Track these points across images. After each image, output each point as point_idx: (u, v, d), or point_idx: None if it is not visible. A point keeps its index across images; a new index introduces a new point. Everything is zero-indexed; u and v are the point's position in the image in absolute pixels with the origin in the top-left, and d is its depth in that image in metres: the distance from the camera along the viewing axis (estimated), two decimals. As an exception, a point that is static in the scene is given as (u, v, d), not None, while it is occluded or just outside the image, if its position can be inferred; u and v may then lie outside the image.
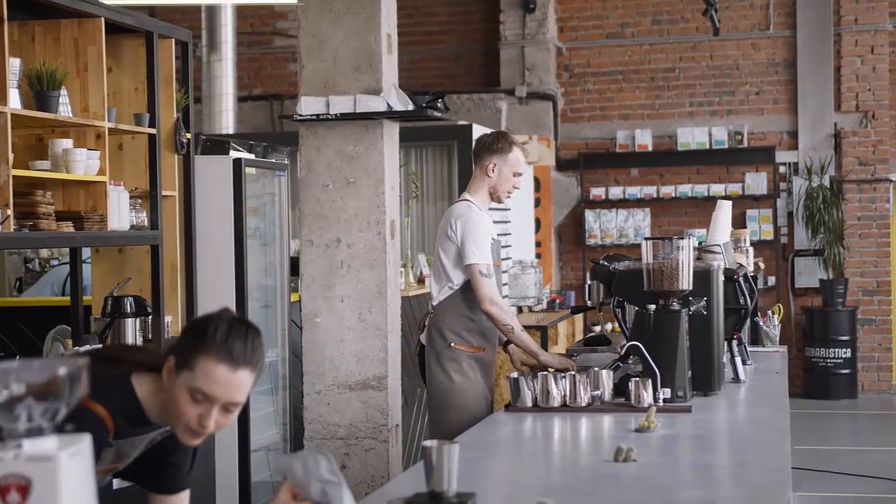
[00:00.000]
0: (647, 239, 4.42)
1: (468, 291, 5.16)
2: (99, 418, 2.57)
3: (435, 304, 5.27)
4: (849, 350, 12.13)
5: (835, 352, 12.11)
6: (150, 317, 5.51)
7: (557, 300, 11.05)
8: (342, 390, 5.65)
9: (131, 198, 5.44)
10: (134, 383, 2.66)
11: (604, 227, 12.83)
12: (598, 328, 12.18)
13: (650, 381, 4.18)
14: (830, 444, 10.13)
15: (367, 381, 5.80)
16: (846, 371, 12.15)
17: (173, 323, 5.79)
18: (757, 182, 12.51)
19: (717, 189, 12.44)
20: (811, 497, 8.01)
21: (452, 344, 5.17)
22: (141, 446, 2.74)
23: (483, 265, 5.06)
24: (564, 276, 13.00)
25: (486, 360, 5.26)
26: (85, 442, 1.78)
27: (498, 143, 5.28)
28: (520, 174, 5.30)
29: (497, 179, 5.25)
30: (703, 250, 5.08)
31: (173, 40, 5.82)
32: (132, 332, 5.35)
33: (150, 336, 5.53)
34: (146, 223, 5.50)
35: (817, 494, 8.11)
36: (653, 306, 4.37)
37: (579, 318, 11.12)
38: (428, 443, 2.72)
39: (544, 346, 8.90)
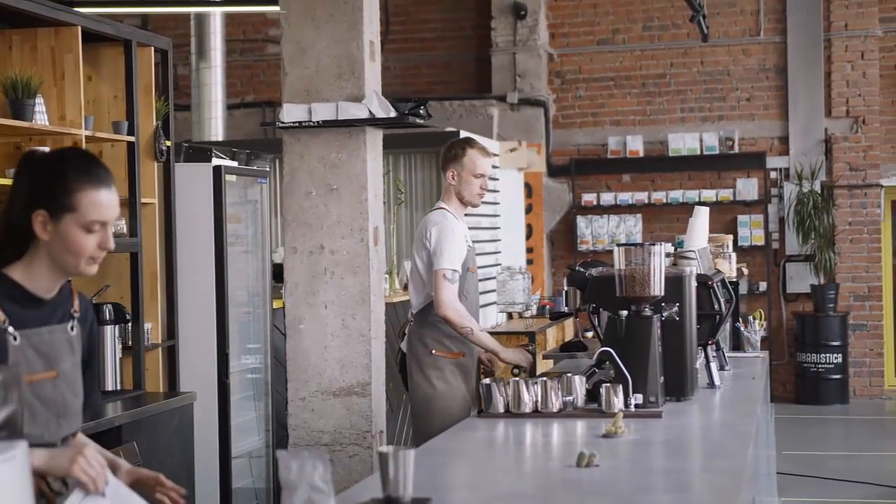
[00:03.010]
0: (619, 245, 4.44)
1: None
2: None
3: (415, 311, 5.36)
4: (840, 355, 12.14)
5: (826, 357, 12.12)
6: (129, 324, 5.52)
7: (548, 306, 11.05)
8: (326, 397, 5.66)
9: (110, 205, 5.45)
10: (4, 272, 2.70)
11: (595, 233, 12.84)
12: (590, 334, 12.19)
13: (621, 386, 4.20)
14: (821, 449, 10.13)
15: (351, 387, 5.82)
16: (837, 376, 12.15)
17: (153, 330, 5.81)
18: (748, 188, 12.52)
19: (709, 195, 12.45)
20: (800, 502, 8.01)
21: (434, 351, 5.25)
22: (60, 345, 2.73)
23: (448, 271, 5.15)
24: (556, 283, 13.01)
25: (466, 366, 5.31)
26: (20, 449, 1.80)
27: (452, 150, 5.41)
28: (481, 175, 5.37)
29: (459, 185, 5.35)
30: (678, 256, 5.09)
31: (152, 48, 5.84)
32: (111, 339, 5.36)
33: (129, 343, 5.55)
34: (125, 230, 5.52)
35: (806, 500, 8.12)
36: (625, 312, 4.38)
37: (569, 323, 11.13)
38: (383, 449, 2.74)
39: (532, 353, 8.91)
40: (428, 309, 5.28)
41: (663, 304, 4.45)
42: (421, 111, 6.08)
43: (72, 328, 2.78)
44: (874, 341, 12.49)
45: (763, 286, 12.45)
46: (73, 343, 2.78)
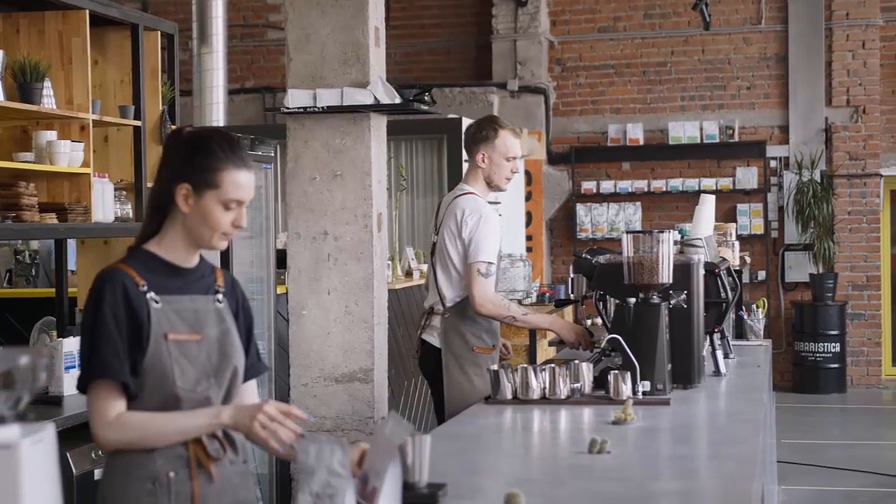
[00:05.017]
0: (627, 232, 4.43)
1: None
2: (117, 268, 2.82)
3: (449, 304, 5.10)
4: (838, 344, 12.16)
5: (824, 346, 12.14)
6: (134, 309, 5.51)
7: (548, 294, 11.06)
8: (328, 383, 5.66)
9: (116, 189, 5.45)
10: (143, 247, 2.87)
11: (595, 220, 12.85)
12: (588, 322, 12.20)
13: (629, 373, 4.20)
14: (819, 438, 10.16)
15: (354, 373, 5.83)
16: (835, 365, 12.19)
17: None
18: (748, 176, 12.54)
19: (708, 183, 12.46)
20: (798, 490, 8.04)
21: (475, 348, 5.06)
22: (205, 313, 2.87)
23: (483, 264, 4.93)
24: (556, 270, 13.03)
25: (495, 358, 5.22)
26: (48, 431, 1.80)
27: (482, 130, 5.14)
28: (513, 158, 5.13)
29: (489, 168, 5.11)
30: (685, 244, 5.09)
31: (159, 32, 5.83)
32: (117, 323, 5.35)
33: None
34: (131, 215, 5.52)
35: (805, 488, 8.14)
36: (633, 300, 4.38)
37: (569, 311, 11.15)
38: (400, 434, 2.74)
39: (532, 339, 8.90)
40: (465, 302, 5.04)
41: (671, 291, 4.45)
42: (426, 98, 6.08)
43: (218, 301, 2.91)
44: (872, 331, 12.52)
45: (762, 275, 12.46)
46: (222, 313, 2.91)
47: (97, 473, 4.46)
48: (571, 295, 5.13)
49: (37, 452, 1.77)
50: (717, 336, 5.06)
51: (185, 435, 2.78)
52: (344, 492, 2.59)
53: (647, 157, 12.83)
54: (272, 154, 7.32)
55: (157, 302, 2.78)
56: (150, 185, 5.74)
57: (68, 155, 4.95)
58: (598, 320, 12.02)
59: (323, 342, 5.63)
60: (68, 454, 4.40)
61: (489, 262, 4.94)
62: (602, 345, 4.49)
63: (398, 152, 9.97)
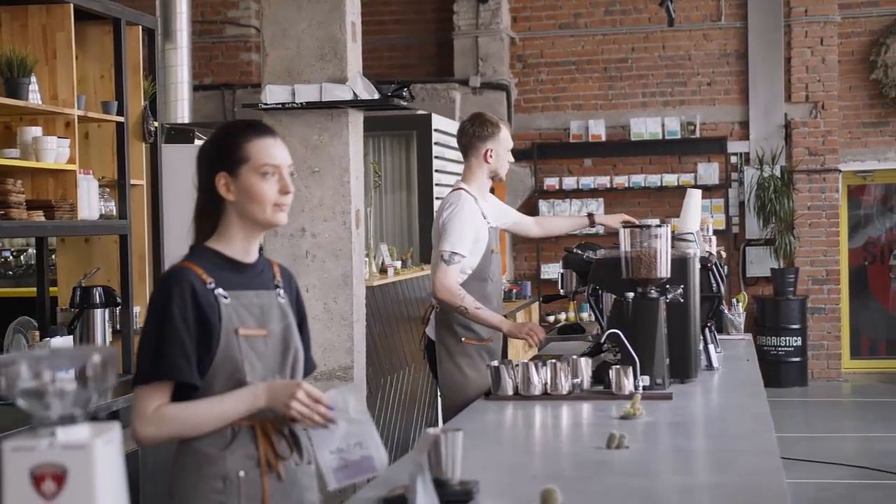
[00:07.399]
0: (625, 227, 4.43)
1: (473, 283, 5.08)
2: (184, 267, 2.80)
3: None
4: (799, 338, 12.28)
5: (786, 340, 12.25)
6: (118, 307, 5.44)
7: (514, 290, 11.09)
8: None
9: (100, 187, 5.37)
10: (203, 244, 2.87)
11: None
12: (551, 318, 12.23)
13: (630, 368, 4.20)
14: (783, 431, 10.22)
15: (333, 371, 5.81)
16: (797, 359, 12.30)
17: (142, 314, 5.72)
18: (709, 172, 12.61)
19: (670, 179, 12.53)
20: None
21: (463, 339, 5.12)
22: (269, 308, 2.86)
23: (446, 252, 5.01)
24: (518, 267, 13.04)
25: (493, 350, 5.22)
26: (116, 430, 1.76)
27: (486, 128, 5.27)
28: (510, 148, 5.37)
29: (496, 163, 5.28)
30: (676, 238, 5.09)
31: (140, 27, 5.74)
32: (101, 322, 5.28)
33: (118, 327, 5.47)
34: (114, 212, 5.43)
35: (776, 480, 8.20)
36: (631, 294, 4.38)
37: (535, 307, 11.17)
38: (433, 430, 2.71)
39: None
40: None
41: (668, 286, 4.45)
42: (404, 93, 6.06)
43: (280, 296, 2.90)
44: (832, 324, 12.65)
45: (724, 270, 12.53)
46: (284, 309, 2.90)
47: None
48: (561, 290, 5.12)
49: (108, 452, 1.73)
50: (707, 330, 5.07)
51: (225, 421, 2.75)
52: (370, 434, 2.56)
53: (608, 153, 12.87)
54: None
55: (225, 297, 2.79)
56: (133, 181, 5.67)
57: (55, 151, 4.87)
58: (562, 316, 12.06)
59: (302, 340, 5.58)
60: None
61: (453, 252, 5.01)
62: (601, 340, 4.47)
63: (367, 149, 9.91)
